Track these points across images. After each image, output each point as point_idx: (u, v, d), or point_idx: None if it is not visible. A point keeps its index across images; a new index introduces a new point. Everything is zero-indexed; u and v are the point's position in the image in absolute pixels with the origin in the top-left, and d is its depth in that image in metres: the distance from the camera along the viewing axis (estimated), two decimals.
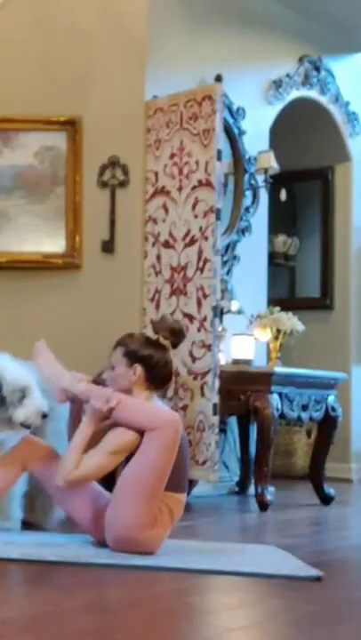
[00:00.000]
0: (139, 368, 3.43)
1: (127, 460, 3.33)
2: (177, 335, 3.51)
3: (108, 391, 3.38)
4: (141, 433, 3.29)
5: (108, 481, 3.66)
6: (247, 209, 6.04)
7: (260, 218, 6.13)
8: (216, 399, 4.77)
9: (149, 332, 3.62)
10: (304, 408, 5.24)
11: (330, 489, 5.36)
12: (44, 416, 3.49)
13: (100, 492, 3.45)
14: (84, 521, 3.40)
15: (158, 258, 5.17)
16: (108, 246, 5.37)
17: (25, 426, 3.47)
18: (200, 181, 5.00)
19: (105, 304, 5.33)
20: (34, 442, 3.52)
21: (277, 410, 5.02)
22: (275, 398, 5.02)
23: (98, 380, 3.70)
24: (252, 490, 5.31)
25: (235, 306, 5.71)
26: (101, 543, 3.36)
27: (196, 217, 4.99)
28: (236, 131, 5.94)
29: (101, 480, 3.57)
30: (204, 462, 4.75)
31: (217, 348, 4.86)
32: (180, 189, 5.10)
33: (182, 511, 3.35)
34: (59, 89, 5.47)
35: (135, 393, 3.45)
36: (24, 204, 5.44)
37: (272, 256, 6.81)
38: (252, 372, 5.11)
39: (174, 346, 3.52)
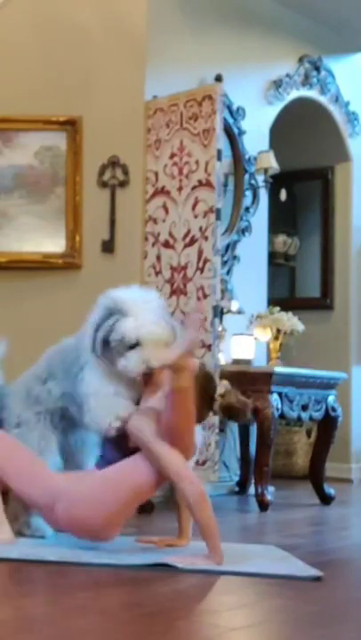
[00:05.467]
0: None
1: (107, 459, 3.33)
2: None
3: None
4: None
5: None
6: (247, 209, 6.04)
7: (260, 218, 6.13)
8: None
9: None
10: (304, 408, 5.24)
11: (330, 489, 5.37)
12: (151, 368, 3.39)
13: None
14: (40, 503, 3.34)
15: (158, 258, 5.17)
16: (108, 246, 5.37)
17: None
18: (200, 181, 5.00)
19: None
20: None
21: (277, 410, 5.02)
22: (275, 398, 5.02)
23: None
24: (252, 490, 5.31)
25: (235, 306, 5.72)
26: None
27: (196, 217, 4.99)
28: (236, 131, 5.94)
29: None
30: (204, 462, 4.75)
31: (217, 348, 4.86)
32: (180, 189, 5.10)
33: None
34: (59, 89, 5.48)
35: None
36: (24, 203, 5.44)
37: (272, 256, 6.81)
38: (252, 372, 5.11)
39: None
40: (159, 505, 4.47)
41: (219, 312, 4.93)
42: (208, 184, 4.96)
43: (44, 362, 3.76)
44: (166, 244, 5.13)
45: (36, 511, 3.42)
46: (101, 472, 3.32)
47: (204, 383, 3.38)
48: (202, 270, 4.94)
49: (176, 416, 3.18)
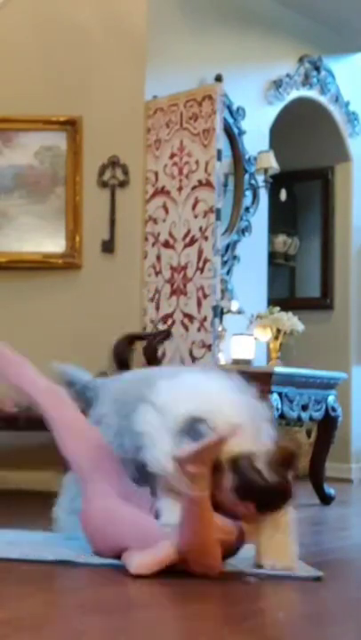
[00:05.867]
0: (251, 506, 2.94)
1: None
2: (292, 463, 3.01)
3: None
4: None
5: None
6: (247, 209, 6.04)
7: (260, 218, 6.13)
8: None
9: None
10: (304, 408, 5.23)
11: (330, 489, 5.36)
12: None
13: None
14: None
15: (158, 258, 5.17)
16: (108, 246, 5.37)
17: None
18: (200, 181, 5.00)
19: (105, 304, 5.33)
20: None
21: (277, 410, 5.01)
22: (275, 398, 5.01)
23: None
24: None
25: (235, 306, 5.72)
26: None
27: (196, 217, 4.99)
28: (236, 131, 5.94)
29: None
30: None
31: (217, 348, 4.86)
32: (180, 189, 5.10)
33: None
34: (59, 89, 5.48)
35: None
36: (24, 203, 5.44)
37: (272, 256, 6.81)
38: (251, 372, 5.10)
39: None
40: None
41: (219, 312, 4.93)
42: (208, 184, 4.96)
43: (133, 388, 3.47)
44: (166, 244, 5.14)
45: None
46: (134, 516, 3.09)
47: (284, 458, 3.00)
48: (202, 270, 4.94)
49: (192, 532, 2.83)
